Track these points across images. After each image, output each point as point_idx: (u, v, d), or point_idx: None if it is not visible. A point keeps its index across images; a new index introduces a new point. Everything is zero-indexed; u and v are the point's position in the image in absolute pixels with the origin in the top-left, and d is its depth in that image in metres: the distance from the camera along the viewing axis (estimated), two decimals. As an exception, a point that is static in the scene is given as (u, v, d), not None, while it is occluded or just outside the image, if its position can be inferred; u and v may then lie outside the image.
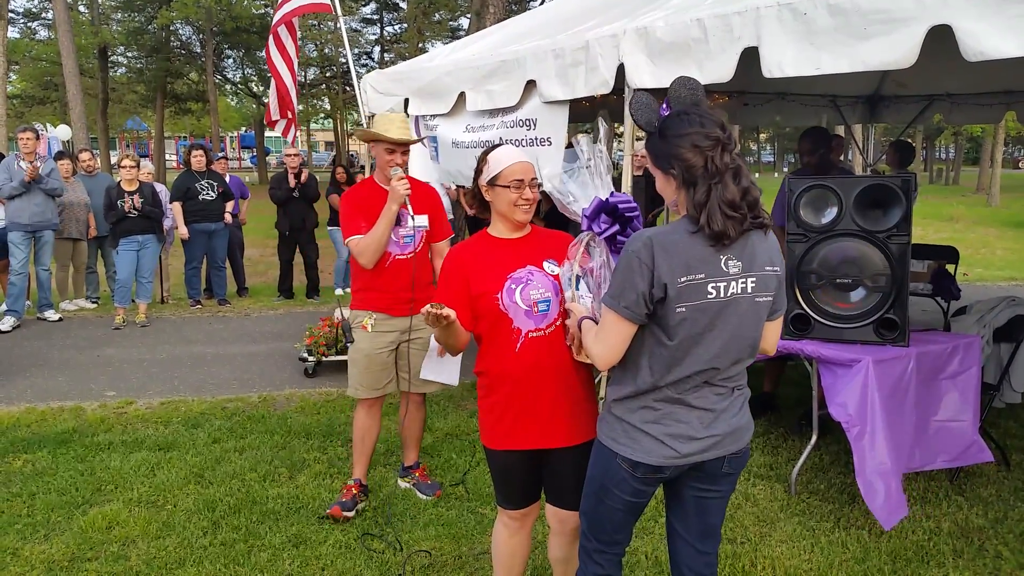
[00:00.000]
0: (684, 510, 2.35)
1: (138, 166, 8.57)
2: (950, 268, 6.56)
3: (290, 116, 7.60)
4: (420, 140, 4.00)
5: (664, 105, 2.19)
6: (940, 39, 2.85)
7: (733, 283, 2.08)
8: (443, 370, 3.63)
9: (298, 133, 7.92)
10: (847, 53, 3.19)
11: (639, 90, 2.27)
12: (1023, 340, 4.61)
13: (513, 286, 2.53)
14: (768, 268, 2.13)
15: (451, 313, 2.31)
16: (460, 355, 3.17)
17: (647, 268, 2.04)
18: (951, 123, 10.46)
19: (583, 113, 8.05)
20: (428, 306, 2.28)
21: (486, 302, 2.51)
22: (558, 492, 2.62)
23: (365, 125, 6.74)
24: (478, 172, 2.62)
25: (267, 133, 35.80)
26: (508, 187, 2.53)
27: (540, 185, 2.60)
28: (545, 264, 2.59)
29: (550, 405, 2.51)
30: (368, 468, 4.06)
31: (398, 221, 3.75)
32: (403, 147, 3.79)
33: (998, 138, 29.65)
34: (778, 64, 3.38)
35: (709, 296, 2.06)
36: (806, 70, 3.32)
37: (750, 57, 3.44)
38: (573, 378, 2.55)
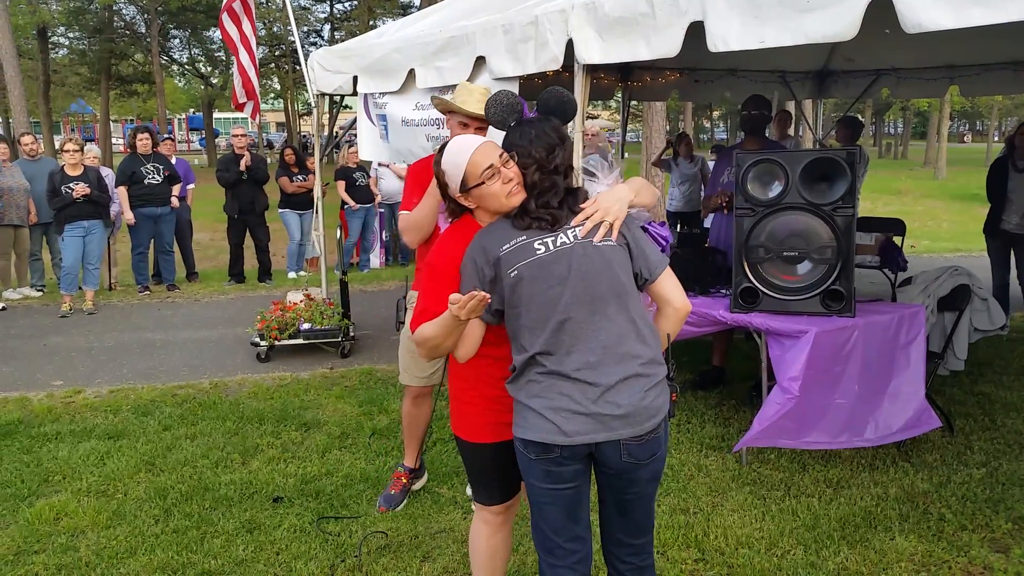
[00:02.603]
0: (608, 512, 2.31)
1: (82, 150, 8.32)
2: (897, 240, 6.69)
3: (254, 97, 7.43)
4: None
5: (529, 110, 2.36)
6: (883, 13, 2.88)
7: (562, 235, 2.18)
8: None
9: (259, 112, 7.73)
10: (790, 27, 3.20)
11: (505, 90, 2.38)
12: (965, 309, 4.74)
13: None
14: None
15: (487, 296, 2.06)
16: None
17: (474, 255, 2.22)
18: (898, 97, 10.66)
19: (536, 91, 8.04)
20: (458, 295, 2.05)
21: (480, 299, 2.27)
22: None
23: (313, 104, 6.63)
24: (443, 186, 2.33)
25: (216, 114, 35.07)
26: (483, 183, 2.22)
27: (512, 155, 2.28)
28: None
29: None
30: (419, 454, 3.85)
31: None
32: (480, 123, 3.31)
33: (944, 113, 30.35)
34: (723, 38, 3.39)
35: (538, 252, 2.15)
36: (750, 44, 3.33)
37: (700, 33, 3.45)
38: None
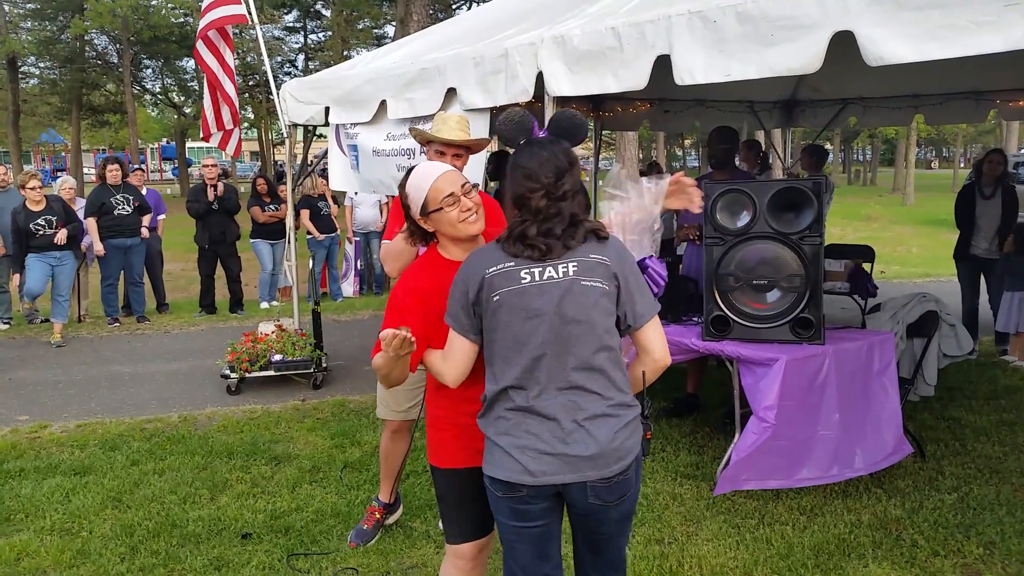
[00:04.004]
0: (579, 549, 2.29)
1: (42, 184, 8.19)
2: (866, 267, 6.78)
3: (229, 127, 7.36)
4: (477, 141, 3.50)
5: (540, 129, 2.29)
6: (848, 45, 2.94)
7: (551, 268, 2.12)
8: None
9: (240, 142, 7.64)
10: (755, 60, 3.26)
11: (517, 109, 2.31)
12: (934, 335, 4.79)
13: None
14: (594, 255, 2.13)
15: (412, 339, 2.09)
16: None
17: (463, 276, 2.21)
18: (865, 126, 10.85)
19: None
20: (389, 331, 2.05)
21: (444, 335, 2.28)
22: None
23: (285, 135, 6.62)
24: (406, 207, 2.38)
25: (188, 144, 34.90)
26: (442, 208, 2.29)
27: (476, 185, 2.34)
28: None
29: None
30: (393, 488, 3.77)
31: None
32: (455, 150, 3.35)
33: (911, 140, 30.98)
34: (689, 71, 3.44)
35: (523, 280, 2.11)
36: (716, 77, 3.38)
37: (667, 65, 3.49)
38: None
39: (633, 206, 2.67)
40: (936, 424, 5.05)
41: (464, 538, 2.43)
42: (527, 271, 2.12)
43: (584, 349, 2.10)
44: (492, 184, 6.48)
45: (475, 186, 2.32)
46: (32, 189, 7.87)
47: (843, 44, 2.97)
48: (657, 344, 2.22)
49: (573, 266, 2.12)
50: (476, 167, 4.64)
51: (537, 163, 2.16)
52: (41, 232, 7.84)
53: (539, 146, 2.20)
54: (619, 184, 2.65)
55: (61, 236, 7.75)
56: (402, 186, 2.38)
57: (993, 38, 2.67)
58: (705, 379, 5.50)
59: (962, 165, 45.37)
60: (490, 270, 2.15)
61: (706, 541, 3.59)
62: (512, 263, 2.14)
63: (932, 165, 64.42)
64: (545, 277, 2.11)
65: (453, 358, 2.24)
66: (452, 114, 3.56)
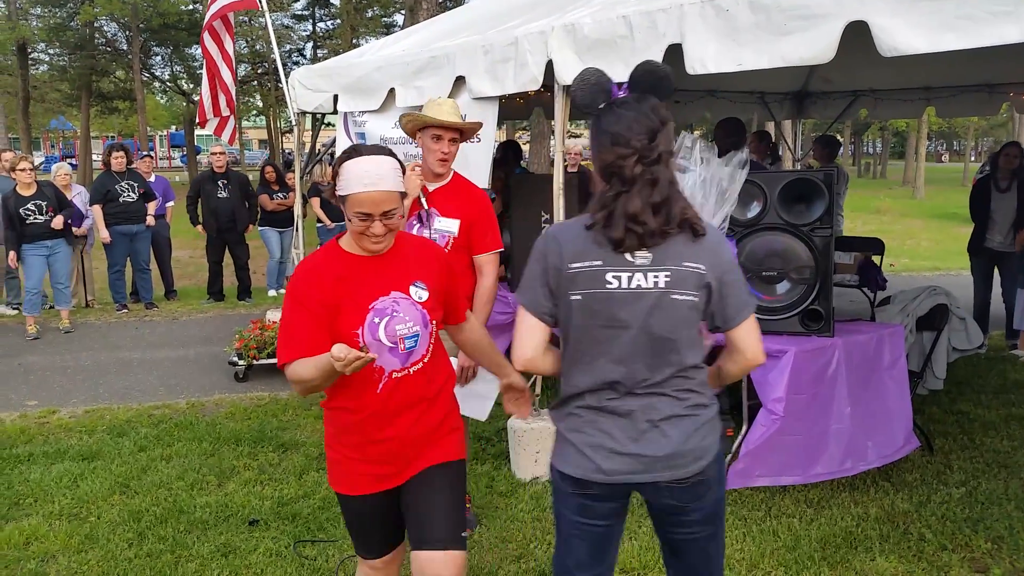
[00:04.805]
0: (664, 552, 2.19)
1: (34, 168, 8.12)
2: (876, 259, 6.74)
3: (226, 114, 7.38)
4: (471, 125, 3.43)
5: (619, 87, 2.03)
6: (861, 36, 2.91)
7: (640, 275, 1.93)
8: (471, 404, 3.27)
9: (237, 130, 7.70)
10: (767, 49, 3.23)
11: (591, 68, 2.07)
12: (943, 328, 4.76)
13: (376, 319, 2.15)
14: (688, 264, 1.93)
15: (374, 357, 1.98)
16: (495, 388, 3.03)
17: (543, 257, 2.01)
18: (876, 118, 10.80)
19: (517, 109, 8.06)
20: (345, 350, 1.88)
21: (344, 340, 2.05)
22: (420, 526, 2.25)
23: (294, 123, 6.61)
24: (335, 175, 2.16)
25: (197, 132, 34.95)
26: (352, 220, 2.11)
27: (403, 215, 2.16)
28: (412, 288, 2.22)
29: (410, 443, 2.25)
30: None
31: (420, 220, 3.35)
32: (452, 133, 3.31)
33: (922, 132, 30.77)
34: (700, 61, 3.42)
35: (609, 286, 1.94)
36: (727, 67, 3.35)
37: (678, 55, 3.47)
38: (436, 409, 2.30)
39: (705, 177, 2.41)
40: (944, 418, 5.03)
41: (370, 555, 2.40)
42: (614, 274, 1.93)
43: (666, 361, 1.97)
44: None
45: (403, 215, 2.19)
46: (23, 171, 7.69)
47: (856, 34, 2.95)
48: (749, 344, 2.02)
49: (665, 276, 1.92)
50: (484, 156, 4.63)
51: (624, 125, 1.92)
52: (31, 217, 7.69)
53: (623, 106, 1.96)
54: (689, 154, 2.39)
55: (58, 221, 7.65)
56: (340, 160, 2.14)
57: (1010, 28, 2.64)
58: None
59: (973, 158, 45.08)
60: (573, 265, 1.96)
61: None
62: (599, 262, 1.94)
63: (943, 158, 64.01)
64: (633, 285, 1.93)
65: (518, 333, 2.05)
66: (445, 99, 3.51)
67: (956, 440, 4.67)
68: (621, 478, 1.99)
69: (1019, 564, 3.32)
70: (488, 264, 3.44)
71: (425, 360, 2.25)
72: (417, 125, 3.38)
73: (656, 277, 1.93)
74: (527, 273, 2.05)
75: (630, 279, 1.93)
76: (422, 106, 3.50)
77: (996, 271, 7.01)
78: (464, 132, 3.42)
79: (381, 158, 2.12)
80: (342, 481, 2.30)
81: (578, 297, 1.96)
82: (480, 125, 3.66)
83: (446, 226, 3.38)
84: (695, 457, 1.98)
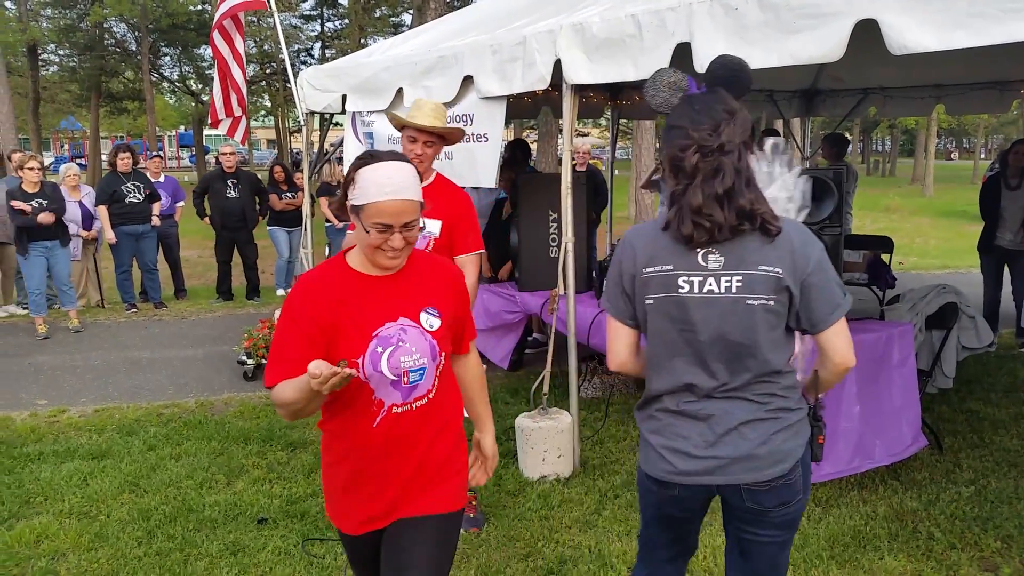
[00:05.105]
0: (731, 547, 2.18)
1: (42, 167, 8.12)
2: (885, 257, 6.72)
3: (238, 114, 7.39)
4: (451, 130, 3.42)
5: (698, 85, 2.03)
6: (871, 33, 2.90)
7: (712, 279, 1.91)
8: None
9: (248, 129, 7.67)
10: (777, 48, 3.22)
11: (666, 68, 2.06)
12: (953, 327, 4.74)
13: (380, 348, 1.95)
14: (763, 268, 1.89)
15: (355, 373, 1.83)
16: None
17: (619, 262, 2.04)
18: (885, 116, 10.74)
19: (525, 108, 8.06)
20: (322, 367, 1.67)
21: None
22: (397, 570, 2.04)
23: (303, 122, 6.63)
24: (348, 183, 1.96)
25: (206, 132, 35.06)
26: (369, 231, 1.90)
27: (423, 228, 1.95)
28: (423, 315, 2.01)
29: (403, 484, 2.06)
30: None
31: None
32: (428, 137, 3.30)
33: (931, 130, 30.63)
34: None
35: (681, 290, 1.93)
36: (737, 65, 3.34)
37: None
38: (437, 449, 2.09)
39: (786, 178, 2.39)
40: (954, 417, 5.00)
41: None
42: (685, 279, 1.92)
43: (744, 366, 1.94)
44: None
45: (422, 228, 1.95)
46: (31, 170, 7.68)
47: (865, 32, 2.93)
48: (839, 347, 1.96)
49: (738, 281, 1.89)
50: (492, 155, 4.63)
51: (688, 118, 1.92)
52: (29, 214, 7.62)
53: (691, 101, 1.96)
54: (767, 156, 2.34)
55: (44, 217, 7.55)
56: (355, 166, 1.95)
57: (1020, 26, 2.61)
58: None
59: (983, 156, 44.83)
60: (646, 270, 1.96)
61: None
62: (670, 266, 1.94)
63: (952, 156, 63.70)
64: (705, 290, 1.91)
65: (608, 338, 2.10)
66: (429, 101, 3.52)
67: (965, 439, 4.65)
68: (699, 479, 1.99)
69: (1029, 563, 3.30)
70: (469, 264, 3.49)
71: (430, 396, 2.04)
72: (396, 126, 3.43)
73: (728, 282, 1.90)
74: (608, 279, 2.10)
75: (702, 284, 1.92)
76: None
77: (1007, 269, 6.98)
78: (446, 136, 3.41)
79: (401, 164, 1.92)
80: (335, 513, 2.17)
81: (651, 302, 1.97)
82: (461, 131, 3.64)
83: (428, 227, 3.41)
84: (774, 460, 1.95)
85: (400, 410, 2.00)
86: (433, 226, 3.40)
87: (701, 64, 3.41)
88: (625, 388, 5.62)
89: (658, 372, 2.02)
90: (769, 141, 2.27)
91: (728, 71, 1.99)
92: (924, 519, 3.67)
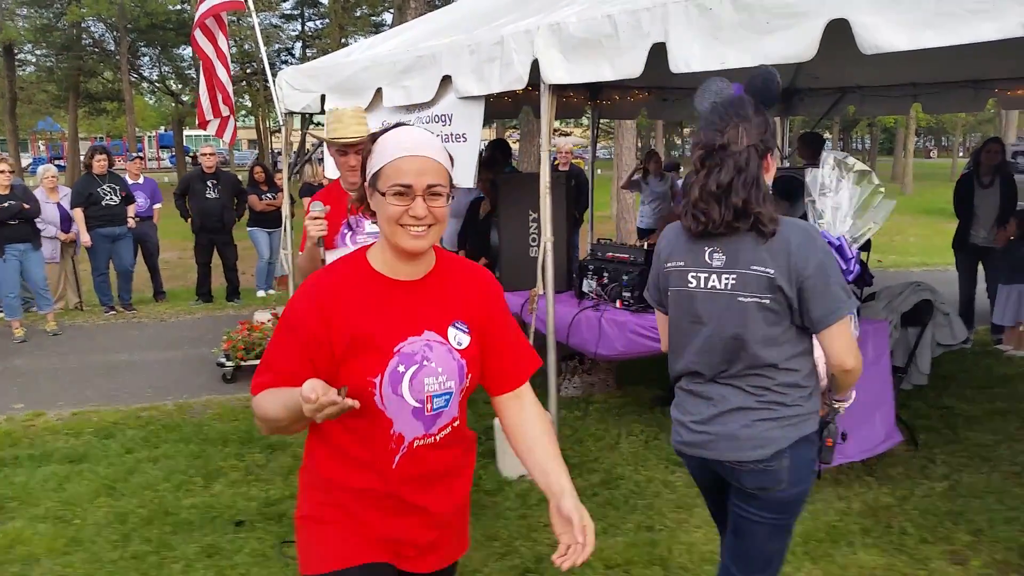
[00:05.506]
0: (729, 528, 2.30)
1: (12, 170, 7.96)
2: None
3: (225, 114, 7.33)
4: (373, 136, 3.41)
5: (737, 89, 2.19)
6: (845, 33, 2.93)
7: (714, 276, 2.10)
8: None
9: (236, 129, 7.57)
10: (751, 48, 3.24)
11: (716, 79, 2.20)
12: (928, 324, 4.80)
13: (402, 367, 1.64)
14: (755, 268, 2.03)
15: (355, 405, 1.51)
16: None
17: (656, 256, 2.28)
18: (863, 115, 10.83)
19: (505, 108, 8.06)
20: (316, 387, 1.42)
21: (355, 387, 1.60)
22: None
23: (282, 122, 6.60)
24: (366, 155, 1.70)
25: (187, 132, 34.80)
26: (385, 195, 1.61)
27: (451, 195, 1.66)
28: (451, 330, 1.71)
29: (420, 540, 1.77)
30: None
31: (350, 228, 3.28)
32: (357, 148, 3.19)
33: (910, 129, 30.90)
34: (685, 60, 3.43)
35: (690, 285, 2.14)
36: (712, 65, 3.36)
37: (664, 54, 3.48)
38: (459, 486, 1.83)
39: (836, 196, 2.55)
40: (929, 412, 5.06)
41: None
42: (694, 274, 2.13)
43: (738, 357, 2.09)
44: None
45: (451, 195, 1.66)
46: (1, 173, 7.52)
47: (840, 32, 2.96)
48: (834, 349, 2.05)
49: (733, 279, 2.06)
50: (469, 155, 4.63)
51: (706, 120, 2.11)
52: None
53: (715, 106, 2.12)
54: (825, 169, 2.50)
55: (9, 208, 7.41)
56: (373, 138, 1.70)
57: (988, 26, 2.65)
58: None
59: (961, 154, 45.26)
60: (668, 265, 2.21)
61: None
62: (682, 263, 2.16)
63: (931, 154, 64.27)
64: (708, 286, 2.11)
65: (661, 331, 2.36)
66: (347, 109, 3.43)
67: (940, 434, 4.70)
68: (695, 451, 2.21)
69: (998, 555, 3.35)
70: None
71: (454, 425, 1.75)
72: (326, 142, 3.37)
73: (727, 279, 2.08)
74: (651, 273, 2.35)
75: (707, 280, 2.11)
76: (420, 105, 3.46)
77: (981, 266, 7.06)
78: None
79: (427, 133, 1.69)
80: (314, 556, 1.74)
81: (671, 294, 2.22)
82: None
83: (376, 230, 3.35)
84: (755, 445, 2.08)
85: (422, 443, 1.70)
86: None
87: (676, 64, 3.43)
88: (605, 387, 5.64)
89: (676, 356, 2.25)
90: (827, 153, 2.41)
91: (760, 82, 2.15)
92: (897, 514, 3.71)
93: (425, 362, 1.66)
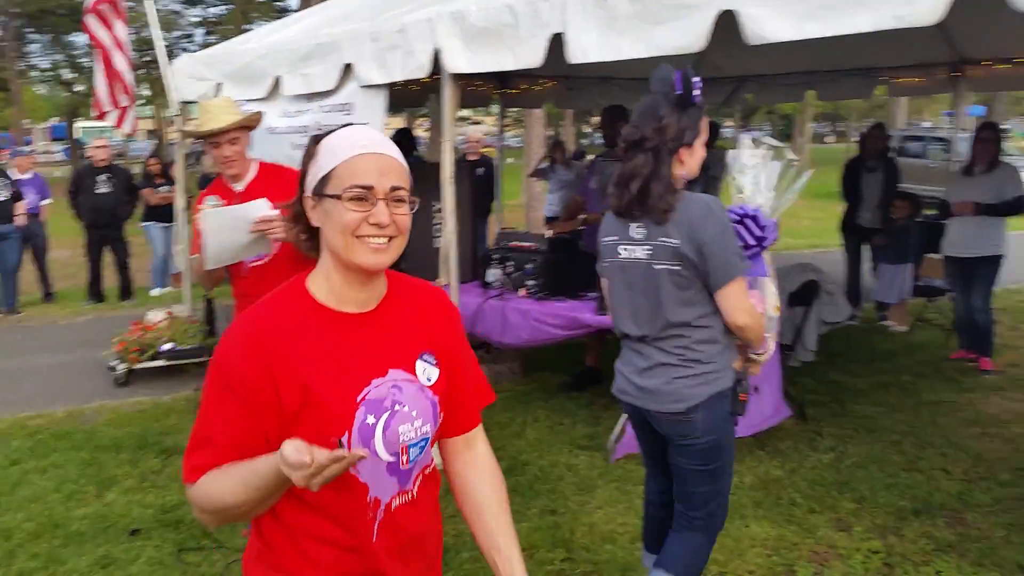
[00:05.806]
0: (655, 459, 2.74)
1: None
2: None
3: (124, 104, 6.96)
4: (248, 118, 3.20)
5: (680, 83, 2.42)
6: (734, 25, 3.00)
7: (637, 248, 2.44)
8: None
9: (136, 119, 7.17)
10: (644, 38, 3.31)
11: (667, 65, 2.46)
12: (813, 303, 5.00)
13: (371, 419, 1.36)
14: (663, 239, 2.36)
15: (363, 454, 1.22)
16: None
17: (600, 232, 2.60)
18: (762, 103, 11.21)
19: (411, 97, 7.97)
20: (299, 451, 1.16)
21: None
22: None
23: (176, 112, 6.35)
24: (303, 172, 1.41)
25: (80, 124, 33.14)
26: (339, 198, 1.33)
27: (414, 204, 1.40)
28: (420, 364, 1.45)
29: None
30: None
31: None
32: (229, 135, 3.09)
33: (806, 115, 32.11)
34: (582, 50, 3.47)
35: (620, 255, 2.49)
36: (608, 55, 3.41)
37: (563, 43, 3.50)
38: (431, 547, 1.56)
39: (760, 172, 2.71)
40: (817, 387, 5.28)
41: None
42: (623, 246, 2.48)
43: (661, 317, 2.42)
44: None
45: (413, 204, 1.40)
46: None
47: (729, 23, 3.04)
48: (726, 307, 2.38)
49: (649, 250, 2.41)
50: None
51: (635, 114, 2.46)
52: None
53: (643, 101, 2.46)
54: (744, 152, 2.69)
55: None
56: (314, 141, 1.41)
57: (864, 18, 2.78)
58: (605, 352, 5.59)
59: (855, 139, 47.24)
60: (604, 239, 2.56)
61: (597, 508, 3.67)
62: (615, 237, 2.50)
63: (827, 140, 66.96)
64: (633, 256, 2.46)
65: (608, 300, 2.68)
66: (214, 99, 3.36)
67: (828, 408, 4.92)
68: (628, 399, 2.58)
69: (879, 520, 3.54)
70: None
71: (427, 471, 1.50)
72: (192, 137, 3.28)
73: (645, 250, 2.42)
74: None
75: (631, 251, 2.46)
76: (322, 93, 3.35)
77: (868, 247, 7.39)
78: (248, 126, 3.25)
79: (375, 132, 1.43)
80: None
81: (606, 264, 2.57)
82: (259, 115, 3.43)
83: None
84: (675, 399, 2.44)
85: (400, 501, 1.44)
86: (275, 214, 3.04)
87: (573, 54, 3.46)
88: (511, 375, 5.68)
89: (616, 319, 2.60)
90: (744, 136, 2.74)
91: (660, 84, 2.42)
92: (787, 486, 3.87)
93: (396, 406, 1.39)
